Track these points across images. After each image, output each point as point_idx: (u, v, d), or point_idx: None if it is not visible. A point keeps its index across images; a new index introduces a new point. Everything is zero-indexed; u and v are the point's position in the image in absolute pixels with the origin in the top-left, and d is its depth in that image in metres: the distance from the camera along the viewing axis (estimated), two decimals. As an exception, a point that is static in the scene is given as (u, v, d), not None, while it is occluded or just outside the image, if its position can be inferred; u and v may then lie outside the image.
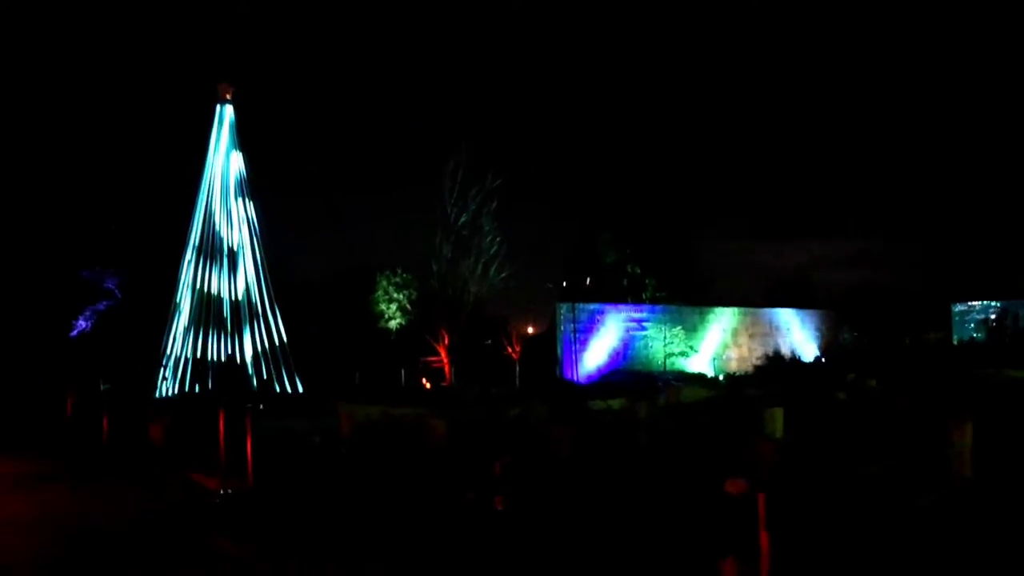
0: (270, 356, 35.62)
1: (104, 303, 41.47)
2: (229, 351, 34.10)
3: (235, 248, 36.02)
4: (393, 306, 43.82)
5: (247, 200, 36.73)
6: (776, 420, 15.42)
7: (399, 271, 43.91)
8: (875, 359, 35.75)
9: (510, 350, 40.95)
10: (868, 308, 55.42)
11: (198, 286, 34.88)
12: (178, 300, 35.35)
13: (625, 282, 48.68)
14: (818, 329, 46.79)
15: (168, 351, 34.63)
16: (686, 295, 49.59)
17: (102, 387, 34.18)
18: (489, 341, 45.31)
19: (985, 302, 54.47)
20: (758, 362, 40.53)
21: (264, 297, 36.29)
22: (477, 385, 33.37)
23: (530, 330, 48.42)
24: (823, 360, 43.09)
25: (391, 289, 43.57)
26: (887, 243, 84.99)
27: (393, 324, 44.18)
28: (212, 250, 35.53)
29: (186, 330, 34.71)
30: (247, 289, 36.00)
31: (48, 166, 46.70)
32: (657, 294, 48.79)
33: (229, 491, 13.61)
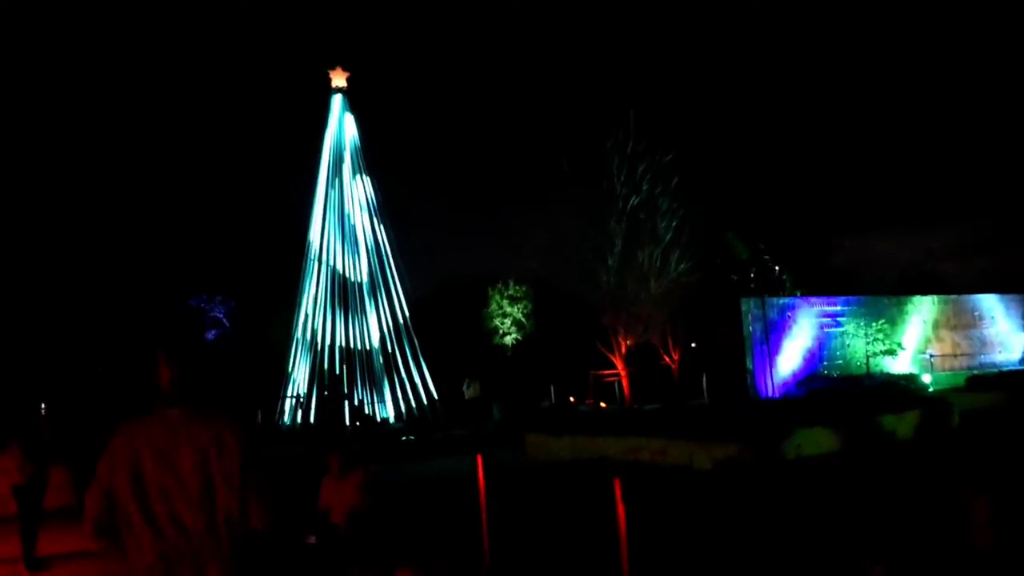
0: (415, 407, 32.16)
1: (213, 331, 39.36)
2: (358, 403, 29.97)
3: (360, 280, 31.61)
4: (507, 321, 41.34)
5: (363, 176, 32.17)
6: None
7: (511, 283, 41.14)
8: None
9: (667, 359, 36.39)
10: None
11: (318, 340, 30.90)
12: (291, 363, 31.58)
13: (760, 280, 44.16)
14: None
15: (291, 387, 31.23)
16: (827, 290, 44.63)
17: None
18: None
19: None
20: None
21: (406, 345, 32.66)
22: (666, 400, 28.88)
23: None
24: None
25: (504, 303, 41.22)
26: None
27: (508, 340, 41.58)
28: (334, 283, 31.02)
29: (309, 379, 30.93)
30: (382, 335, 31.88)
31: (154, 185, 45.16)
32: (796, 291, 44.13)
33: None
